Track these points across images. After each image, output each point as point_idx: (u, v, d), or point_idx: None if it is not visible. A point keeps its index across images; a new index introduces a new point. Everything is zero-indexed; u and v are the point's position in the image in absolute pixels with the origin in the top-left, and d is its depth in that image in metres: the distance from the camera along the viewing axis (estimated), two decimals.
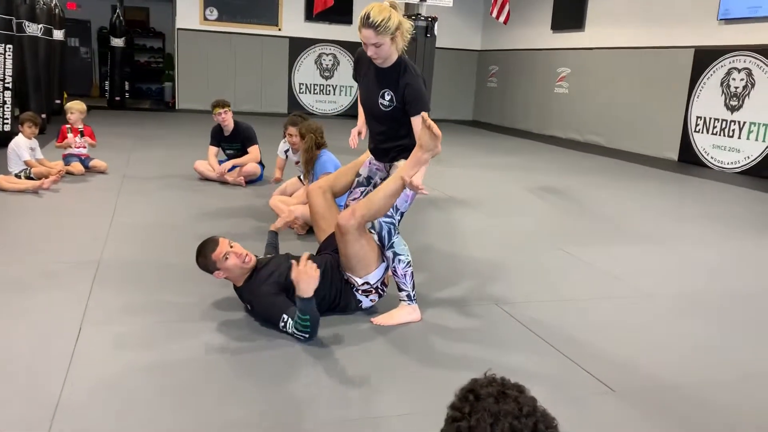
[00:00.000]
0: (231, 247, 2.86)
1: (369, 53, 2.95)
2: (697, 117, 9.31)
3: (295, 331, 2.69)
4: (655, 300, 3.55)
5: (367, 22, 2.85)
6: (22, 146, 5.66)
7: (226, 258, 2.82)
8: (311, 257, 2.78)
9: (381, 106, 3.05)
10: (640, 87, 10.35)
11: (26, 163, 5.63)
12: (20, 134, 5.74)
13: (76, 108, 6.24)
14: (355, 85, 3.26)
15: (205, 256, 2.86)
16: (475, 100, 15.44)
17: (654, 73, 10.07)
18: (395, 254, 2.98)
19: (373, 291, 3.04)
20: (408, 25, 2.96)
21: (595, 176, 7.83)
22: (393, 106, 3.02)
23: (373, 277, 3.00)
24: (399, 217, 3.03)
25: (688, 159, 9.42)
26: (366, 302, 3.07)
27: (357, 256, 2.93)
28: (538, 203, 6.10)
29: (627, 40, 10.65)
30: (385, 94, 3.02)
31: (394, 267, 2.99)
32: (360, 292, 3.02)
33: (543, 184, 6.99)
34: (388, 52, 2.94)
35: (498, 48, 14.41)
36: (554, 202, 6.15)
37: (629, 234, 5.02)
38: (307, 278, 2.60)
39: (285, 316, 2.71)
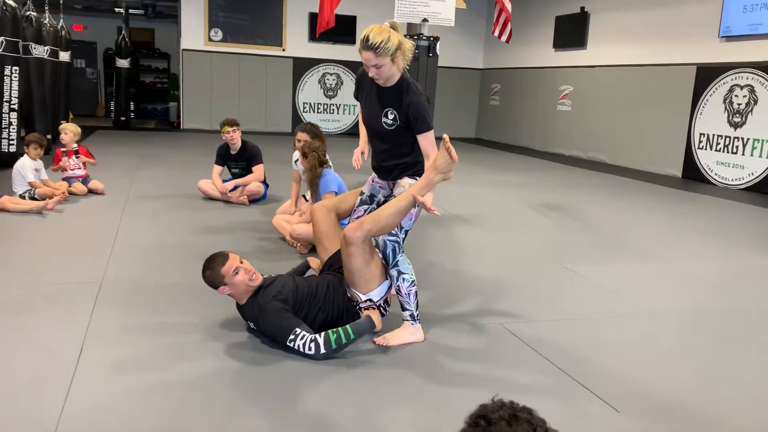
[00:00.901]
0: (241, 263, 2.86)
1: (370, 74, 2.96)
2: (701, 134, 9.31)
3: (317, 340, 2.69)
4: (659, 317, 3.52)
5: (366, 45, 2.86)
6: (27, 167, 5.70)
7: (236, 273, 2.80)
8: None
9: (384, 125, 3.06)
10: (643, 104, 10.38)
11: (31, 184, 5.67)
12: (25, 155, 5.78)
13: (69, 129, 6.30)
14: (358, 104, 3.27)
15: (214, 269, 2.82)
16: (478, 118, 15.50)
17: (656, 91, 10.10)
18: (399, 272, 2.98)
19: (376, 309, 3.03)
20: (409, 44, 2.98)
21: (599, 193, 7.82)
22: (396, 125, 3.03)
23: (376, 294, 2.99)
24: (403, 236, 3.03)
25: (692, 175, 9.41)
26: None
27: (360, 270, 2.92)
28: (542, 220, 6.09)
29: (629, 58, 10.70)
30: (389, 113, 3.03)
31: (398, 286, 2.98)
32: (363, 310, 3.00)
33: (546, 202, 6.98)
34: (389, 73, 2.95)
35: (500, 66, 14.49)
36: (557, 220, 6.14)
37: (633, 251, 5.00)
38: (376, 321, 2.88)
39: (297, 330, 2.71)
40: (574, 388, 2.61)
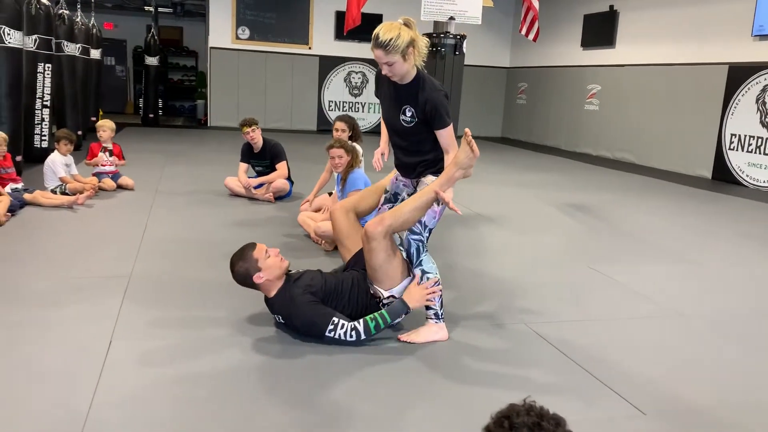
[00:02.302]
0: (267, 248, 2.90)
1: (384, 72, 2.96)
2: (732, 134, 9.15)
3: (356, 327, 2.76)
4: (686, 320, 3.47)
5: (376, 42, 2.86)
6: (58, 163, 5.81)
7: (269, 255, 2.84)
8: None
9: (403, 123, 3.06)
10: (673, 104, 10.22)
11: (61, 179, 5.77)
12: (56, 151, 5.89)
13: (108, 126, 6.37)
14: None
15: (246, 257, 2.83)
16: (504, 117, 15.41)
17: (686, 90, 9.95)
18: (423, 272, 2.97)
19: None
20: (423, 41, 2.96)
21: (626, 194, 7.72)
22: (415, 121, 3.03)
23: (399, 290, 2.99)
24: (427, 235, 3.02)
25: (722, 177, 9.25)
26: None
27: (383, 266, 2.91)
28: (567, 221, 6.03)
29: (659, 57, 10.55)
30: (406, 110, 3.03)
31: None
32: (386, 306, 3.00)
33: (572, 202, 6.91)
34: (402, 70, 2.93)
35: (527, 65, 14.38)
36: (583, 220, 6.08)
37: (660, 252, 4.93)
38: (417, 299, 2.87)
39: (336, 319, 2.77)
40: (599, 390, 2.59)
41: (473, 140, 2.77)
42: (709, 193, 8.13)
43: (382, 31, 2.85)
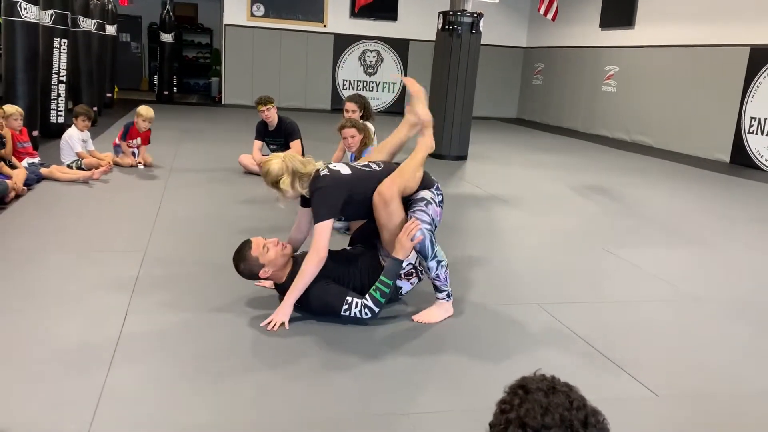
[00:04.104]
0: (265, 240, 2.90)
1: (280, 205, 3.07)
2: (752, 117, 9.01)
3: (366, 304, 2.76)
4: (701, 304, 3.45)
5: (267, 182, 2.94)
6: (75, 138, 5.84)
7: (267, 249, 2.84)
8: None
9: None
10: (692, 86, 10.07)
11: (78, 154, 5.80)
12: (73, 126, 5.91)
13: (149, 117, 6.26)
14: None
15: (245, 257, 2.85)
16: (520, 98, 15.27)
17: (706, 72, 9.79)
18: (438, 262, 2.95)
19: (414, 274, 3.03)
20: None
21: (642, 177, 7.65)
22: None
23: (413, 255, 2.97)
24: (434, 228, 3.01)
25: (741, 161, 9.13)
26: (406, 286, 3.06)
27: (401, 225, 2.89)
28: (583, 203, 5.99)
29: (679, 38, 10.38)
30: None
31: (437, 274, 2.95)
32: (401, 276, 3.00)
33: (588, 184, 6.86)
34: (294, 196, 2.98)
35: (544, 45, 14.21)
36: (599, 202, 6.04)
37: (676, 236, 4.89)
38: (405, 244, 2.79)
39: (349, 298, 2.79)
40: (612, 371, 2.58)
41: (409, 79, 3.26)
42: (727, 177, 8.03)
43: (266, 175, 2.92)
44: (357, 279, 2.96)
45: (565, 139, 11.48)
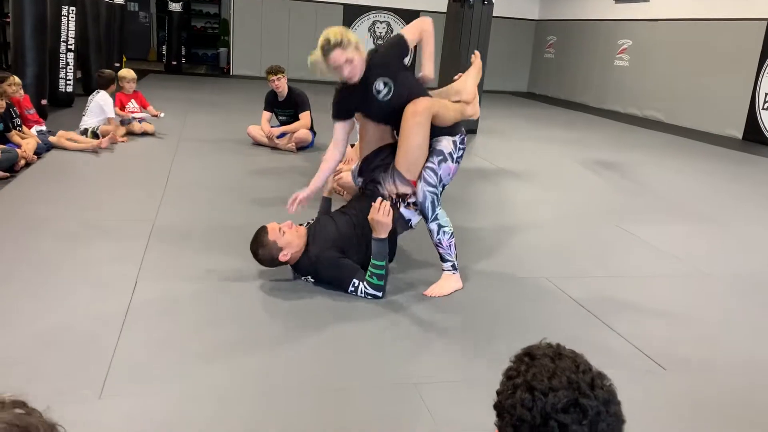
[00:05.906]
0: (279, 225, 2.91)
1: (345, 74, 2.89)
2: (766, 93, 8.88)
3: (367, 291, 2.80)
4: (711, 279, 3.44)
5: (330, 45, 2.82)
6: (111, 103, 5.82)
7: (283, 233, 2.86)
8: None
9: (382, 100, 2.95)
10: (706, 61, 9.92)
11: (109, 120, 5.79)
12: (103, 92, 5.86)
13: (131, 77, 6.39)
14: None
15: (264, 243, 2.86)
16: (531, 72, 15.10)
17: (721, 47, 9.63)
18: (440, 226, 2.95)
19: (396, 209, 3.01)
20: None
21: (654, 152, 7.58)
22: (389, 86, 2.93)
23: (419, 193, 2.94)
24: (441, 189, 3.00)
25: (754, 137, 9.02)
26: (415, 218, 3.06)
27: (421, 146, 2.90)
28: (593, 178, 5.95)
29: (694, 12, 10.19)
30: (377, 85, 2.94)
31: (439, 239, 2.97)
32: (405, 206, 2.99)
33: (599, 159, 6.81)
34: (361, 64, 2.89)
35: (557, 18, 14.01)
36: (610, 178, 6.00)
37: (687, 212, 4.86)
38: (382, 220, 2.75)
39: (355, 281, 2.82)
40: (620, 344, 2.58)
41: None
42: (739, 154, 7.95)
43: (331, 35, 2.84)
44: (356, 248, 2.96)
45: (576, 113, 11.37)
